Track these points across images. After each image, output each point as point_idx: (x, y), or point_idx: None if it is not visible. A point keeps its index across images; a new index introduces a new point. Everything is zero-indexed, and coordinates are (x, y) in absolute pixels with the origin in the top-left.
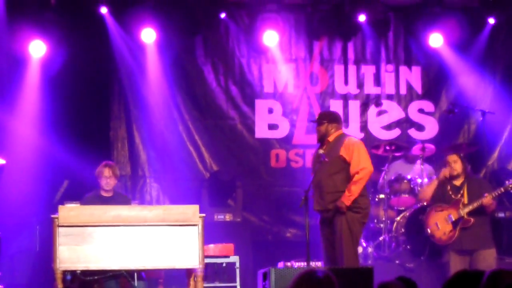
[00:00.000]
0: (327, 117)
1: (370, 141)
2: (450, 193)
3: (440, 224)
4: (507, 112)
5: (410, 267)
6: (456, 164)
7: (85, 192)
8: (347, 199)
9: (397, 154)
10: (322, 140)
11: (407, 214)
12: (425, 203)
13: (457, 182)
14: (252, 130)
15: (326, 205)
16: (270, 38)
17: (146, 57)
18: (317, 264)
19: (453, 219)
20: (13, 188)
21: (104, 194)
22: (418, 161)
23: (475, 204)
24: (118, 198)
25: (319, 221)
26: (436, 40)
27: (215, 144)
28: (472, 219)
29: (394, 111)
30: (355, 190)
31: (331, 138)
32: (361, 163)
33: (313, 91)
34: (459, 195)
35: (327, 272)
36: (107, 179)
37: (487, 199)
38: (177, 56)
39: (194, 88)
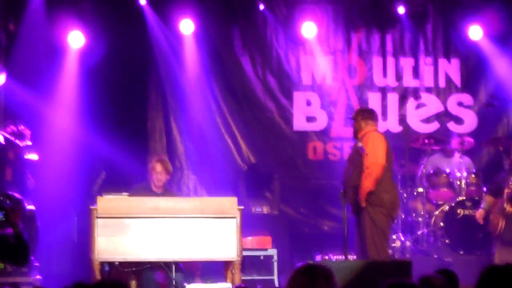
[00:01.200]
0: (361, 114)
1: (408, 134)
2: (510, 183)
3: (481, 215)
4: None
5: (448, 262)
6: None
7: (123, 183)
8: (360, 193)
9: (435, 148)
10: (356, 136)
11: (446, 208)
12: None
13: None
14: (290, 122)
15: (351, 201)
16: (308, 29)
17: (184, 48)
18: (354, 257)
19: (499, 210)
20: (51, 179)
21: (154, 189)
22: (456, 154)
23: (510, 192)
24: (167, 195)
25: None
26: (475, 32)
27: (252, 136)
28: (509, 209)
29: (433, 104)
30: (366, 184)
31: (360, 134)
32: (370, 157)
33: (351, 84)
34: None
35: (324, 266)
36: (158, 174)
37: None
38: (215, 47)
39: (231, 79)
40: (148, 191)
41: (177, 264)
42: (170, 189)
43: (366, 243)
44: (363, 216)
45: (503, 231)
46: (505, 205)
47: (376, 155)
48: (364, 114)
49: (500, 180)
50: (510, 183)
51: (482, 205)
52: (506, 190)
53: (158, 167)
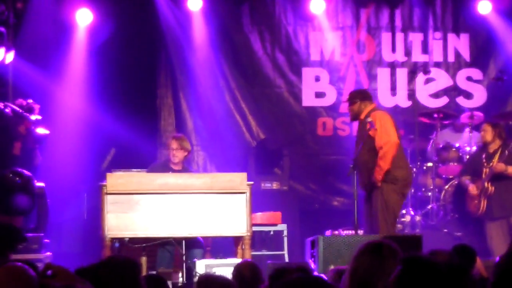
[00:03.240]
0: (359, 95)
1: (418, 109)
2: (484, 161)
3: (471, 197)
4: None
5: (458, 236)
6: (485, 132)
7: (132, 159)
8: (377, 174)
9: (445, 122)
10: (355, 118)
11: (455, 182)
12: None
13: (491, 149)
14: (299, 98)
15: (363, 179)
16: (317, 5)
17: (192, 25)
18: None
19: (478, 190)
20: (61, 156)
21: (172, 166)
22: (466, 129)
23: (491, 172)
24: (185, 172)
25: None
26: (484, 7)
27: (261, 112)
28: (491, 187)
29: (442, 79)
30: (383, 164)
31: (362, 116)
32: (383, 137)
33: (360, 59)
34: (491, 163)
35: (391, 243)
36: (174, 151)
37: (498, 165)
38: (223, 24)
39: (240, 56)
40: (166, 169)
41: (197, 240)
42: (188, 168)
43: (376, 220)
44: (375, 194)
45: (487, 209)
46: (486, 184)
47: (388, 133)
48: (361, 95)
49: (472, 160)
50: (484, 161)
51: (466, 182)
52: (484, 169)
53: (174, 144)
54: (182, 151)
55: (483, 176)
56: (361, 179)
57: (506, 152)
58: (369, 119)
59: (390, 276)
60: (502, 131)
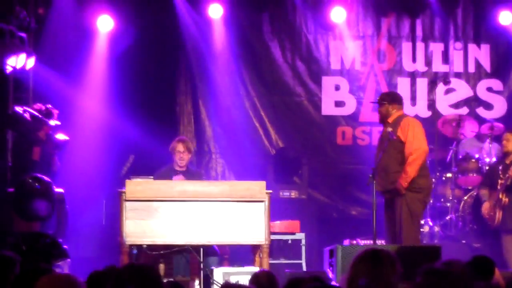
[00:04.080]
0: (388, 98)
1: (438, 119)
2: (500, 172)
3: (487, 208)
4: None
5: (477, 247)
6: (507, 142)
7: (151, 166)
8: (403, 180)
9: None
10: (383, 121)
11: (475, 193)
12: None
13: (508, 160)
14: (318, 107)
15: (386, 186)
16: (338, 14)
17: (213, 33)
18: (382, 242)
19: (494, 201)
20: (80, 162)
21: (177, 169)
22: (488, 140)
23: (505, 183)
24: (191, 174)
25: (384, 200)
26: (505, 17)
27: (281, 121)
28: (505, 199)
29: (462, 89)
30: (410, 171)
31: (390, 119)
32: (414, 143)
33: (380, 69)
34: (506, 174)
35: (388, 251)
36: (181, 154)
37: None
38: (243, 32)
39: (260, 64)
40: (171, 173)
41: (212, 248)
42: (192, 169)
43: (401, 229)
44: (398, 202)
45: (502, 221)
46: (500, 195)
47: (419, 140)
48: (390, 98)
49: (490, 172)
50: (500, 173)
51: (482, 198)
52: (500, 181)
53: (180, 146)
54: (187, 153)
55: (498, 187)
56: (382, 185)
57: None
58: (389, 129)
59: (387, 284)
60: None
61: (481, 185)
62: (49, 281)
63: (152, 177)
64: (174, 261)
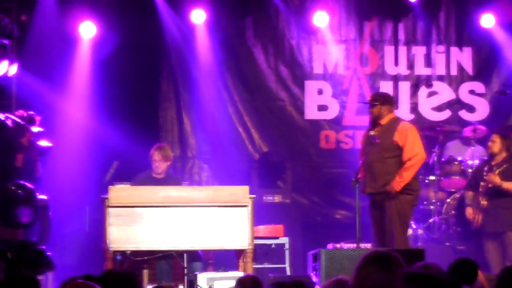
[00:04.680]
0: (380, 99)
1: (420, 123)
2: (484, 174)
3: (471, 213)
4: None
5: (460, 249)
6: (493, 143)
7: (134, 172)
8: (397, 185)
9: (448, 135)
10: (374, 122)
11: (458, 195)
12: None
13: (494, 162)
14: (301, 111)
15: (378, 188)
16: (320, 19)
17: (195, 38)
18: (366, 246)
19: (476, 203)
20: (63, 169)
21: (155, 175)
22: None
23: (486, 185)
24: (168, 180)
25: (368, 203)
26: (487, 20)
27: (264, 125)
28: (484, 201)
29: (444, 92)
30: (407, 176)
31: (383, 121)
32: (414, 149)
33: (363, 72)
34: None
35: (394, 253)
36: (157, 162)
37: (492, 177)
38: (227, 37)
39: (243, 69)
40: (149, 179)
41: (196, 253)
42: (172, 174)
43: (391, 232)
44: (390, 205)
45: (482, 224)
46: (480, 199)
47: (419, 147)
48: (383, 99)
49: (475, 174)
50: (484, 175)
51: (466, 202)
52: (482, 183)
53: (156, 155)
54: (163, 161)
55: (480, 189)
56: (373, 186)
57: (507, 165)
58: (372, 133)
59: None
60: (510, 145)
61: (466, 187)
62: None
63: (129, 183)
64: (157, 267)
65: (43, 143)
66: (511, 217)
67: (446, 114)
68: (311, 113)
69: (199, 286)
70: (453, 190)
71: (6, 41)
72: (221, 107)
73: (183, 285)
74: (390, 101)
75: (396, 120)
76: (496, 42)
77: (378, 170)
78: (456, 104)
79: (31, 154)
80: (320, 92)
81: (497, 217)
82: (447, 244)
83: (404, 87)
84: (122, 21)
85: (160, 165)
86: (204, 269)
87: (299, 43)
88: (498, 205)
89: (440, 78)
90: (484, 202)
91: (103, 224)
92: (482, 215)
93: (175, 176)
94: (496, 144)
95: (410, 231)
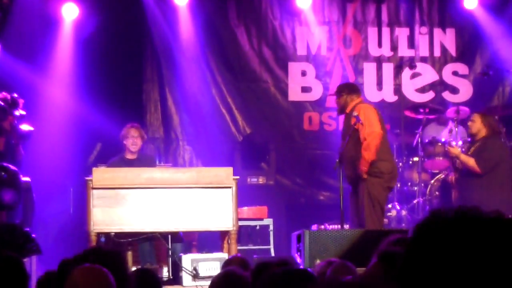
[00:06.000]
0: (345, 89)
1: (403, 104)
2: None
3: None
4: None
5: None
6: (472, 123)
7: (117, 154)
8: (362, 165)
9: (431, 117)
10: (342, 112)
11: (442, 177)
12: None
13: (473, 142)
14: (285, 93)
15: (348, 173)
16: (303, 0)
17: (178, 20)
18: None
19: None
20: (47, 151)
21: (129, 156)
22: (450, 123)
23: (455, 163)
24: (143, 159)
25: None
26: (470, 1)
27: (248, 107)
28: (451, 177)
29: (428, 74)
30: (367, 155)
31: (348, 109)
32: (367, 128)
33: (347, 54)
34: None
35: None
36: (134, 138)
37: (452, 148)
38: (209, 18)
39: (226, 51)
40: (123, 162)
41: (177, 234)
42: (143, 154)
43: (362, 214)
44: (361, 188)
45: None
46: (450, 176)
47: (371, 125)
48: (348, 89)
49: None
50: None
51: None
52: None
53: (133, 131)
54: (140, 138)
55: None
56: (347, 173)
57: (479, 144)
58: (355, 113)
59: None
60: (492, 122)
61: (450, 169)
62: (82, 274)
63: (100, 165)
64: (139, 248)
65: (25, 127)
66: (477, 198)
67: (430, 95)
68: (295, 94)
69: (183, 267)
70: (436, 171)
71: None
72: (204, 89)
73: (167, 267)
74: (356, 90)
75: (356, 105)
76: (479, 24)
77: (346, 155)
78: (439, 86)
79: (12, 137)
80: (303, 73)
81: (462, 199)
82: None
83: (388, 69)
84: (105, 2)
85: (137, 142)
86: (187, 250)
87: (282, 25)
88: (468, 187)
89: (423, 59)
90: (451, 178)
91: (86, 206)
92: (455, 194)
93: (148, 155)
94: (475, 124)
95: (394, 213)
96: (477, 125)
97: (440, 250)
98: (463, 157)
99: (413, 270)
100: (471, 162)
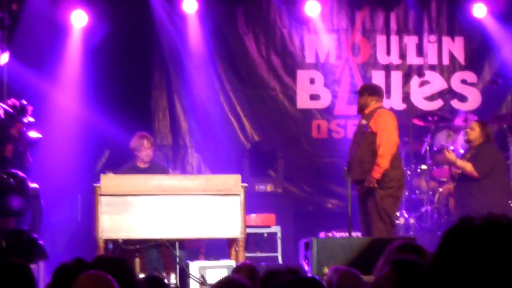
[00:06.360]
0: (368, 89)
1: (412, 112)
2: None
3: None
4: None
5: None
6: (471, 130)
7: (126, 161)
8: (376, 172)
9: (439, 125)
10: (361, 111)
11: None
12: None
13: (468, 149)
14: (293, 101)
15: (359, 176)
16: (312, 8)
17: (187, 27)
18: (358, 234)
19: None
20: (55, 158)
21: (141, 165)
22: (462, 132)
23: (453, 170)
24: (155, 168)
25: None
26: (479, 10)
27: (256, 114)
28: (451, 186)
29: (436, 82)
30: (382, 163)
31: (367, 111)
32: (385, 135)
33: (355, 62)
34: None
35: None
36: (148, 150)
37: (448, 153)
38: (218, 26)
39: (235, 58)
40: (135, 170)
41: (181, 242)
42: (157, 162)
43: (371, 227)
44: (370, 200)
45: (453, 211)
46: (450, 184)
47: (390, 133)
48: (371, 89)
49: None
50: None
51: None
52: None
53: (146, 143)
54: (152, 148)
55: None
56: (354, 174)
57: (475, 151)
58: (363, 122)
59: None
60: (490, 132)
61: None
62: (88, 280)
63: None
64: (147, 255)
65: (33, 134)
66: (466, 204)
67: (438, 103)
68: (303, 102)
69: (191, 274)
70: (444, 179)
71: None
72: (212, 96)
73: (175, 274)
74: (378, 92)
75: (377, 109)
76: (488, 32)
77: (357, 158)
78: (448, 94)
79: (20, 144)
80: (312, 81)
81: (459, 205)
82: (439, 233)
83: (396, 77)
84: (114, 9)
85: (150, 153)
86: (196, 257)
87: (291, 32)
88: (465, 192)
89: (432, 67)
90: (450, 186)
91: (94, 212)
92: (453, 202)
93: (162, 165)
94: (474, 131)
95: (402, 220)
96: (476, 133)
97: (471, 258)
98: (460, 162)
99: (442, 278)
100: (468, 167)
